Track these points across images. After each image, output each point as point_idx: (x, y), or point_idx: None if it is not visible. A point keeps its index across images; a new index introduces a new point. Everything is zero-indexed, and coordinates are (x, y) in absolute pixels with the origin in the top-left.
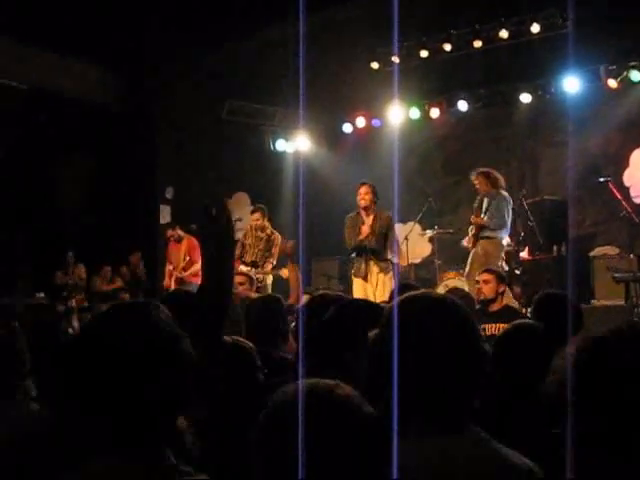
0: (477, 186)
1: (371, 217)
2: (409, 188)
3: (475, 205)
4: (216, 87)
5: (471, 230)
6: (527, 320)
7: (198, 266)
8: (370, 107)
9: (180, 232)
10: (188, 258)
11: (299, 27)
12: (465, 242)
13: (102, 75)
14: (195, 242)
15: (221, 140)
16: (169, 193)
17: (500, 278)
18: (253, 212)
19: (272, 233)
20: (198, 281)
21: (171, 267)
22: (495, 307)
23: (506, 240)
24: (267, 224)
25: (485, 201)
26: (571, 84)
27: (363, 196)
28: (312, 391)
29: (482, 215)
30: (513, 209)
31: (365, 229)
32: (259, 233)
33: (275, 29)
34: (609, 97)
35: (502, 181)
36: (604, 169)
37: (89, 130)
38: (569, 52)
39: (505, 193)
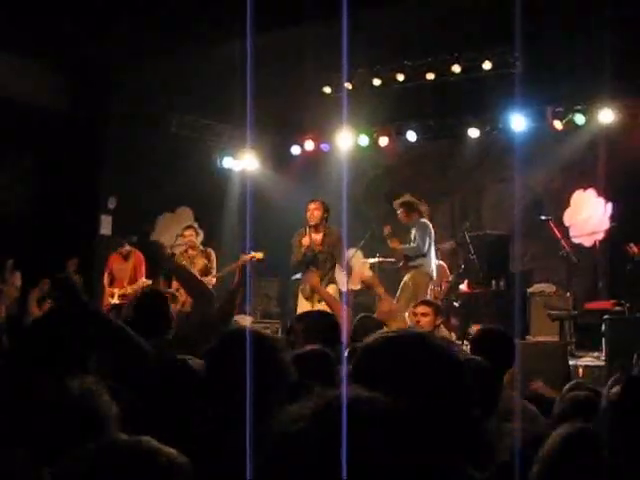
0: (400, 216)
1: (320, 234)
2: (354, 214)
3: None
4: (166, 100)
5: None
6: (475, 357)
7: (142, 281)
8: (320, 131)
9: (127, 247)
10: (133, 272)
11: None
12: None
13: (47, 77)
14: (141, 257)
15: (168, 153)
16: (112, 203)
17: (438, 310)
18: (186, 229)
19: (205, 249)
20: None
21: (110, 288)
22: None
23: (432, 268)
24: (197, 242)
25: (412, 230)
26: (518, 122)
27: (312, 212)
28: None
29: (410, 244)
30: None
31: (314, 244)
32: (190, 252)
33: (229, 47)
34: (554, 137)
35: (424, 209)
36: (546, 207)
37: (33, 136)
38: (518, 91)
39: (425, 220)
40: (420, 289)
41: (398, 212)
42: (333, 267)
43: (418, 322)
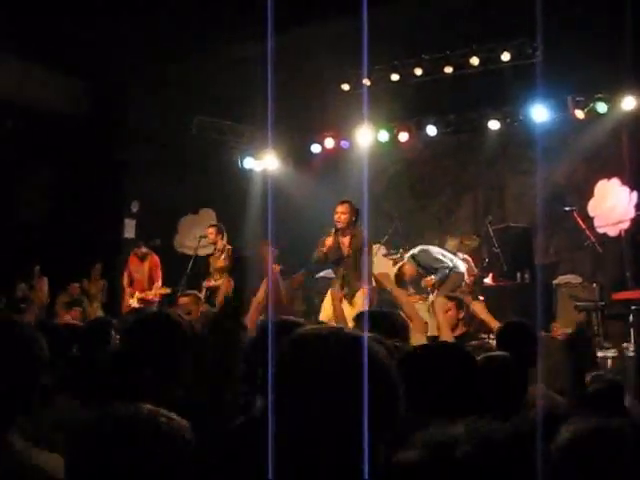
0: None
1: (348, 237)
2: (376, 211)
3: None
4: (186, 103)
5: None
6: (498, 352)
7: (159, 285)
8: (339, 128)
9: (144, 249)
10: (149, 275)
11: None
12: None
13: (70, 86)
14: (157, 260)
15: (189, 156)
16: (135, 207)
17: (459, 305)
18: (209, 227)
19: (224, 247)
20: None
21: (131, 288)
22: (456, 333)
23: (462, 271)
24: (220, 241)
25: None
26: (539, 113)
27: (339, 215)
28: None
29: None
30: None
31: (343, 246)
32: (211, 250)
33: (248, 47)
34: (576, 127)
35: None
36: (569, 198)
37: (55, 142)
38: (538, 81)
39: (423, 247)
40: (453, 286)
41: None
42: (358, 269)
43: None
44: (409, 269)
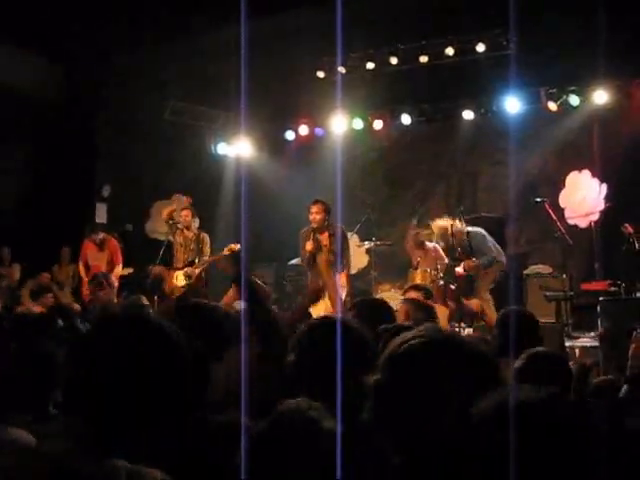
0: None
1: (325, 234)
2: (350, 199)
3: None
4: (160, 87)
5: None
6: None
7: (119, 269)
8: (314, 115)
9: (101, 235)
10: (109, 260)
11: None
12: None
13: (41, 70)
14: (116, 244)
15: (162, 140)
16: (106, 191)
17: (428, 295)
18: (183, 209)
19: (200, 233)
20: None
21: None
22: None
23: (504, 261)
24: (193, 224)
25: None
26: (512, 104)
27: (314, 216)
28: None
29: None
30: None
31: (321, 243)
32: (186, 232)
33: (223, 32)
34: (548, 119)
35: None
36: (541, 189)
37: (26, 125)
38: (511, 73)
39: (478, 229)
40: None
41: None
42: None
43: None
44: (459, 233)
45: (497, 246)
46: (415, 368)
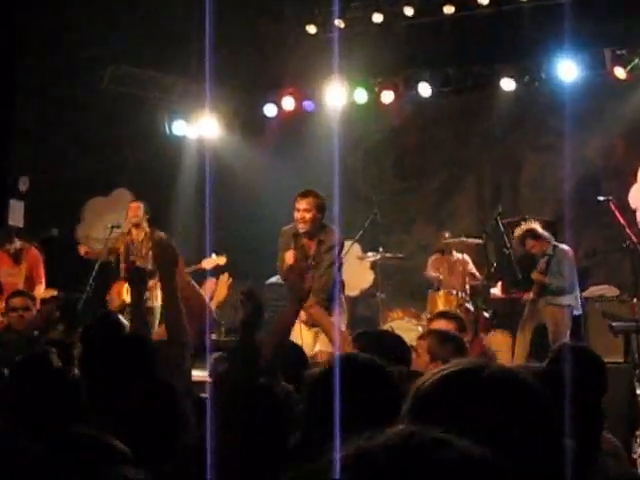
0: (529, 248)
1: (314, 241)
2: (349, 195)
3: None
4: (95, 46)
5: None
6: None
7: (41, 289)
8: (302, 84)
9: (18, 243)
10: (29, 276)
11: None
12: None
13: None
14: (37, 255)
15: (99, 118)
16: (23, 185)
17: (461, 325)
18: (132, 201)
19: (154, 233)
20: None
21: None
22: None
23: (578, 306)
24: (144, 222)
25: (541, 260)
26: (567, 70)
27: (303, 215)
28: None
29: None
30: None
31: (307, 251)
32: (134, 232)
33: None
34: (615, 90)
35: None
36: (605, 184)
37: None
38: (566, 29)
39: (565, 247)
40: (561, 334)
41: (526, 245)
42: (325, 283)
43: None
44: (544, 242)
45: (575, 279)
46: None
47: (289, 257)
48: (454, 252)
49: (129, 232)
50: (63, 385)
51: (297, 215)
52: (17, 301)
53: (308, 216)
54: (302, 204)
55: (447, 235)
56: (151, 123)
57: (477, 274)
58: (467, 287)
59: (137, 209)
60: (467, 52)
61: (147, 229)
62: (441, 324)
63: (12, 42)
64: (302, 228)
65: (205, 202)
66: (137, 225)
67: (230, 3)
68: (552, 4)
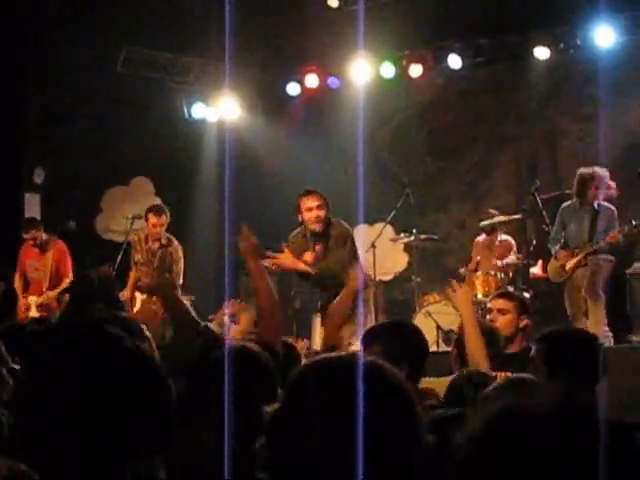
0: (591, 197)
1: (320, 244)
2: (378, 175)
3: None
4: (111, 30)
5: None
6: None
7: (67, 282)
8: (325, 61)
9: (44, 235)
10: (55, 271)
11: None
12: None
13: None
14: (64, 248)
15: (114, 103)
16: (39, 177)
17: (522, 308)
18: (153, 213)
19: (169, 243)
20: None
21: (26, 292)
22: (513, 348)
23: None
24: (163, 235)
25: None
26: (604, 36)
27: (316, 213)
28: None
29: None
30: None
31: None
32: (150, 244)
33: None
34: None
35: None
36: None
37: None
38: None
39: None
40: (596, 283)
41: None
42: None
43: (492, 320)
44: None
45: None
46: None
47: (308, 256)
48: (499, 233)
49: (146, 239)
50: None
51: (309, 215)
52: None
53: (322, 214)
54: (313, 202)
55: (492, 212)
56: (169, 107)
57: (517, 253)
58: (504, 266)
59: (160, 227)
60: (498, 21)
61: (164, 240)
62: (500, 304)
63: (25, 28)
64: (317, 227)
65: (225, 187)
66: (157, 239)
67: None
68: None
